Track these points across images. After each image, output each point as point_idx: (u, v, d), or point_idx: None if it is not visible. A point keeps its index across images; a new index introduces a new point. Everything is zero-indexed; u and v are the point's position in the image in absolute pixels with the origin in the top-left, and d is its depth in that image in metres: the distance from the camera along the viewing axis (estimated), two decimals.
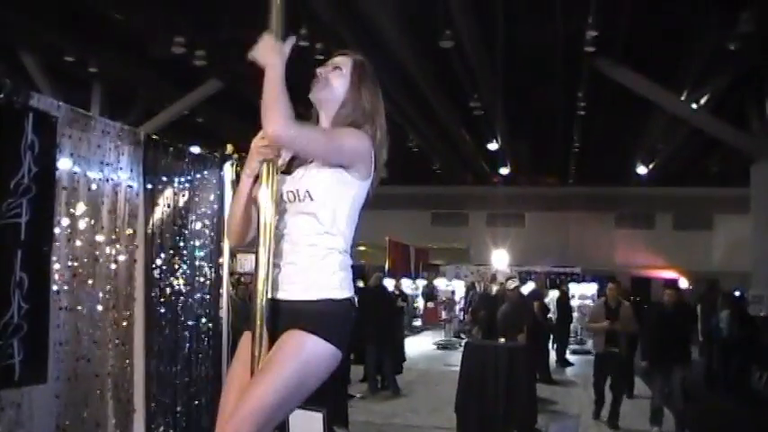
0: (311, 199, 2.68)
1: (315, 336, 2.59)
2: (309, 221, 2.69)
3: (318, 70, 2.81)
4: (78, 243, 4.98)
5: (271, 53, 2.60)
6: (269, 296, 2.67)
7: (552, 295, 19.20)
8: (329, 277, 2.68)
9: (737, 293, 17.38)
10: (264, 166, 2.70)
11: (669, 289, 10.09)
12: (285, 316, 2.66)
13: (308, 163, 2.73)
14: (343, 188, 2.70)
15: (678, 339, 9.37)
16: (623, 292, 11.33)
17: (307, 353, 2.58)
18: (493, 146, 23.75)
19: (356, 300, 2.77)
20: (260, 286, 2.65)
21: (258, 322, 2.64)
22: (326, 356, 2.63)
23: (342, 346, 2.66)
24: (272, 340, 2.64)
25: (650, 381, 10.03)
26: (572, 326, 19.31)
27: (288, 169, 2.78)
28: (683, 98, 17.67)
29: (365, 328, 11.26)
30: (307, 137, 2.62)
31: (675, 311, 9.56)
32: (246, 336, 2.76)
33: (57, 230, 4.76)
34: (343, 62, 2.83)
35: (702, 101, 17.82)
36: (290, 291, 2.68)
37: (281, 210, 2.73)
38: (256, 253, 2.69)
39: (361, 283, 13.70)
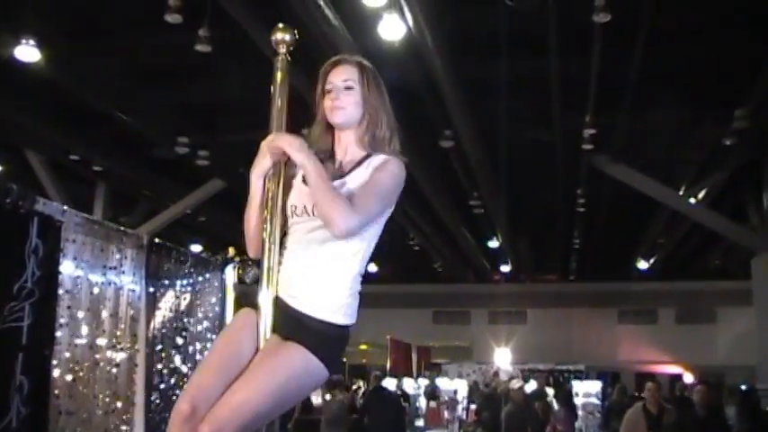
0: None
1: (312, 354, 2.60)
2: (333, 240, 2.67)
3: (332, 96, 2.82)
4: (79, 347, 4.97)
5: (298, 152, 2.65)
6: (276, 293, 2.71)
7: (550, 393, 18.95)
8: (340, 301, 2.69)
9: (744, 387, 17.15)
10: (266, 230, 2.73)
11: (700, 385, 8.47)
12: (286, 316, 2.67)
13: (337, 177, 2.76)
14: None
15: None
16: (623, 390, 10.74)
17: (301, 369, 2.59)
18: (493, 243, 23.79)
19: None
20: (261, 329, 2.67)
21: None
22: (317, 375, 2.65)
23: (332, 367, 2.69)
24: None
25: None
26: (577, 424, 19.02)
27: None
28: (681, 193, 17.79)
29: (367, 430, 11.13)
30: (368, 212, 2.67)
31: (708, 414, 7.82)
32: (244, 316, 2.77)
33: (58, 334, 4.75)
34: (351, 76, 2.84)
35: (700, 195, 17.93)
36: (299, 300, 2.67)
37: (301, 220, 2.74)
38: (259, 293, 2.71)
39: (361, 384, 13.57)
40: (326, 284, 2.68)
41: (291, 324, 2.65)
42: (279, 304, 2.70)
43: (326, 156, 2.87)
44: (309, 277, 2.68)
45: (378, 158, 2.80)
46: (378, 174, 2.76)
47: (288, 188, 2.84)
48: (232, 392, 2.51)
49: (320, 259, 2.68)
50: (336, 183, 2.73)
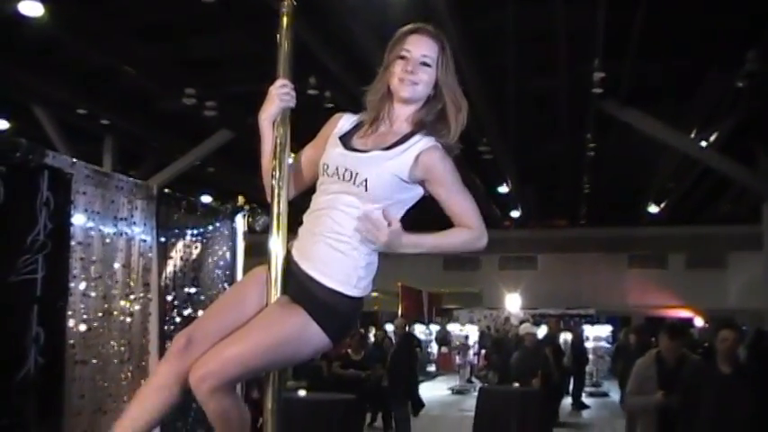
0: (365, 189, 2.61)
1: (316, 325, 2.59)
2: (355, 208, 2.63)
3: (408, 68, 2.70)
4: (92, 297, 5.02)
5: (401, 247, 2.69)
6: (291, 252, 2.72)
7: (564, 338, 19.05)
8: (352, 272, 2.64)
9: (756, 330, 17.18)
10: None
11: (725, 330, 5.65)
12: (296, 281, 2.66)
13: (377, 148, 2.68)
14: (398, 191, 2.67)
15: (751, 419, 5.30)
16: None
17: (298, 335, 2.59)
18: (503, 189, 23.78)
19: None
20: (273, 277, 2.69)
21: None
22: (315, 343, 2.63)
23: (336, 336, 2.67)
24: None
25: None
26: (587, 368, 19.18)
27: (348, 143, 2.74)
28: (692, 137, 17.67)
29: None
30: (473, 209, 2.84)
31: (736, 372, 5.52)
32: (257, 271, 2.79)
33: (71, 285, 4.80)
34: (431, 54, 2.73)
35: (711, 139, 17.80)
36: (311, 264, 2.66)
37: (330, 180, 2.70)
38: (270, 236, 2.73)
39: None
40: (341, 252, 2.63)
41: (299, 288, 2.64)
42: (291, 264, 2.69)
43: (373, 118, 2.78)
44: (326, 242, 2.64)
45: (423, 143, 2.69)
46: (441, 175, 2.69)
47: (322, 144, 2.82)
48: (226, 344, 2.52)
49: (339, 225, 2.64)
50: (374, 154, 2.66)
